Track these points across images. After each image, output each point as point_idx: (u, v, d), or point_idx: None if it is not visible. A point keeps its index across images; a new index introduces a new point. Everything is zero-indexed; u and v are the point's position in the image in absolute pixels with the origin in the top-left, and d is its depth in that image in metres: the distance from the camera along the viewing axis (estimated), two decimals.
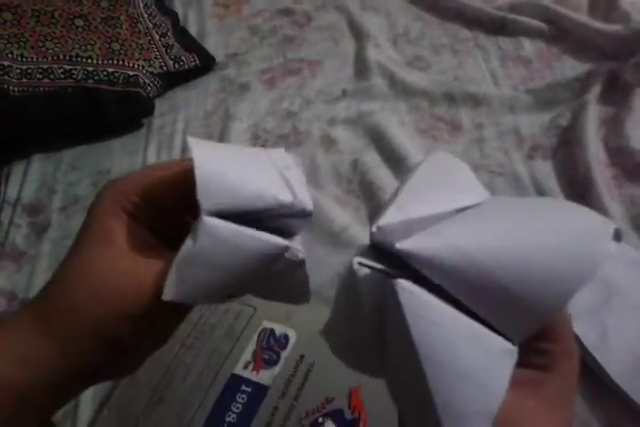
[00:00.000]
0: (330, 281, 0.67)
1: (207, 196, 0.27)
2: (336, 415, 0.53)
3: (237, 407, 0.54)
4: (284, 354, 0.58)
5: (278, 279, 0.31)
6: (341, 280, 0.26)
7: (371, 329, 0.25)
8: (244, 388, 0.56)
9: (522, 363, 0.24)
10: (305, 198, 0.29)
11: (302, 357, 0.57)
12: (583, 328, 0.55)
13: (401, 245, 0.22)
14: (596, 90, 0.80)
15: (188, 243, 0.27)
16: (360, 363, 0.28)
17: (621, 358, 0.53)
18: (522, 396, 0.24)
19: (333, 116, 0.88)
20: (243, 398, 0.55)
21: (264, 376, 0.56)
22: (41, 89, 0.87)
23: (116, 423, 0.57)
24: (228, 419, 0.54)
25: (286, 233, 0.30)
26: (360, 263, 0.24)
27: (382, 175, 0.77)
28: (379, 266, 0.24)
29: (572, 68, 0.87)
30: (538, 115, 0.81)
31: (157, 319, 0.29)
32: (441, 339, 0.21)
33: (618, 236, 0.22)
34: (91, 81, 0.89)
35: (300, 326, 0.60)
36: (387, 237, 0.23)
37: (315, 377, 0.56)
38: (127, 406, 0.58)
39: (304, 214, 0.29)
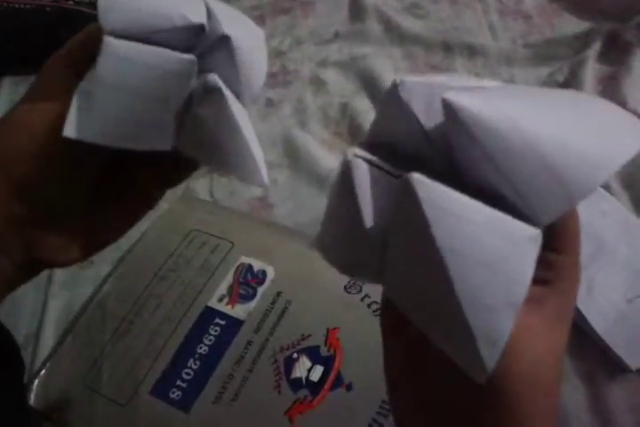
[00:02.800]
0: (312, 221, 0.65)
1: (109, 14, 0.25)
2: (311, 352, 0.51)
3: (210, 340, 0.53)
4: (260, 290, 0.56)
5: (203, 125, 0.28)
6: (336, 177, 0.24)
7: (373, 230, 0.23)
8: (217, 320, 0.54)
9: None
10: (225, 23, 0.26)
11: (279, 293, 0.56)
12: None
13: (451, 96, 0.20)
14: (595, 48, 0.78)
15: (91, 70, 0.25)
16: (357, 268, 0.26)
17: (605, 313, 0.53)
18: (523, 313, 0.22)
19: (324, 57, 0.84)
20: (216, 331, 0.53)
21: (239, 310, 0.54)
22: (16, 6, 0.81)
23: (80, 351, 0.55)
24: (199, 351, 0.52)
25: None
26: (358, 156, 0.23)
27: (372, 119, 0.74)
28: (380, 162, 0.23)
29: (572, 25, 0.85)
30: (535, 69, 0.79)
31: (63, 166, 0.28)
32: (462, 229, 0.20)
33: None
34: (71, 2, 0.83)
35: (279, 262, 0.58)
36: (411, 93, 0.21)
37: (291, 314, 0.54)
38: (93, 334, 0.55)
39: (221, 42, 0.26)
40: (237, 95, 0.28)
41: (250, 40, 0.28)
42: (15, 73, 0.85)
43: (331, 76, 0.82)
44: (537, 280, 0.23)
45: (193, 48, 0.26)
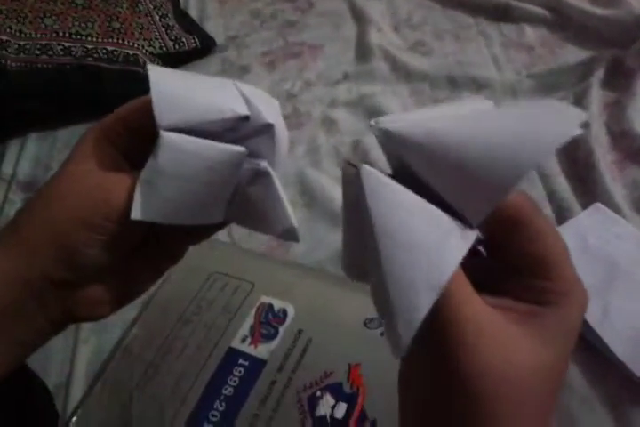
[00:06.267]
0: (330, 258, 0.66)
1: (163, 111, 0.27)
2: (335, 389, 0.52)
3: (234, 381, 0.54)
4: (282, 329, 0.57)
5: (251, 200, 0.31)
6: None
7: (354, 226, 0.26)
8: (241, 361, 0.55)
9: (517, 299, 0.24)
10: (264, 112, 0.30)
11: (300, 331, 0.57)
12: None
13: (384, 124, 0.24)
14: (598, 75, 0.79)
15: (150, 160, 0.28)
16: (359, 271, 0.28)
17: (623, 334, 0.53)
18: (506, 320, 0.23)
19: (334, 98, 0.87)
20: (240, 372, 0.54)
21: (262, 350, 0.56)
22: (39, 65, 0.86)
23: (109, 397, 0.56)
24: (224, 392, 0.53)
25: (252, 155, 0.30)
26: (350, 164, 0.25)
27: (383, 156, 0.76)
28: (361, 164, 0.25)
29: (574, 54, 0.87)
30: (540, 99, 0.81)
31: (117, 238, 0.29)
32: (395, 214, 0.22)
33: (585, 124, 0.23)
34: (90, 59, 0.88)
35: (298, 300, 0.59)
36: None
37: (313, 352, 0.55)
38: (121, 380, 0.57)
39: (265, 128, 0.30)
40: (272, 165, 0.31)
41: (275, 116, 0.31)
42: (39, 128, 0.89)
43: (341, 115, 0.85)
44: (531, 301, 0.24)
45: (234, 130, 0.30)
